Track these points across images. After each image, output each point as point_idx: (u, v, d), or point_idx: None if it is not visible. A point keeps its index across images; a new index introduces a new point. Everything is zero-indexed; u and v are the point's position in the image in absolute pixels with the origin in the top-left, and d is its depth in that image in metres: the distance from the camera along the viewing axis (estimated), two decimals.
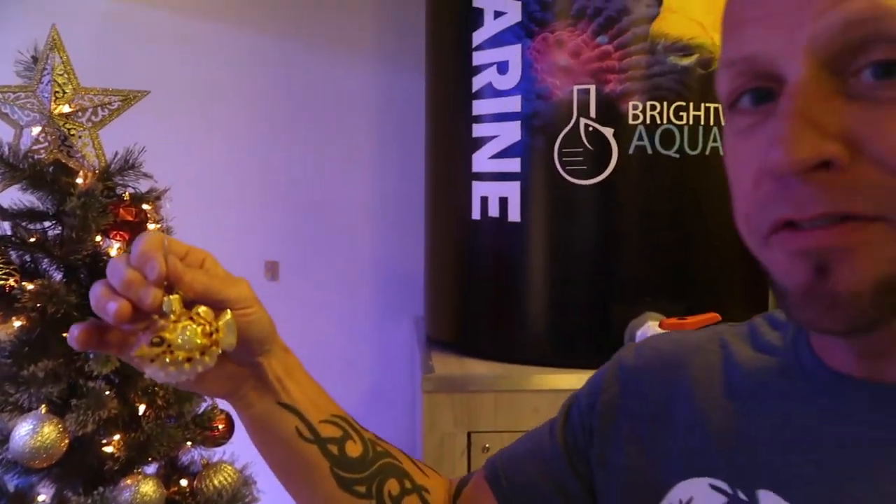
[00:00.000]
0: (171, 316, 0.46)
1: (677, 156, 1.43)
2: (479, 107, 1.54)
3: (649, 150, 1.42)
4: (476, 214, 1.54)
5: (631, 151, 1.42)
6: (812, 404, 0.50)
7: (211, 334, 0.47)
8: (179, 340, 0.45)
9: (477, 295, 1.58)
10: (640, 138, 1.42)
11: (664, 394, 0.59)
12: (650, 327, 1.38)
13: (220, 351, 0.48)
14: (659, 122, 1.42)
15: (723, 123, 0.54)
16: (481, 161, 1.54)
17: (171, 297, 0.47)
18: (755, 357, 0.56)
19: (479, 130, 1.54)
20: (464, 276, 1.61)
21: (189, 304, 0.48)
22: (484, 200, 1.53)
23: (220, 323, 0.48)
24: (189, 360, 0.45)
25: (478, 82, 1.53)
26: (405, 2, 2.05)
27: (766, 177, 0.42)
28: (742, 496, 0.51)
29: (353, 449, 0.63)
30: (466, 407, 1.36)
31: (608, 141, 1.42)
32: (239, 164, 2.05)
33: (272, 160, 2.06)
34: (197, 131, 2.04)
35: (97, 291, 0.50)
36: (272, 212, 2.04)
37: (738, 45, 0.44)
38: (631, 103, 1.42)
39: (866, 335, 0.43)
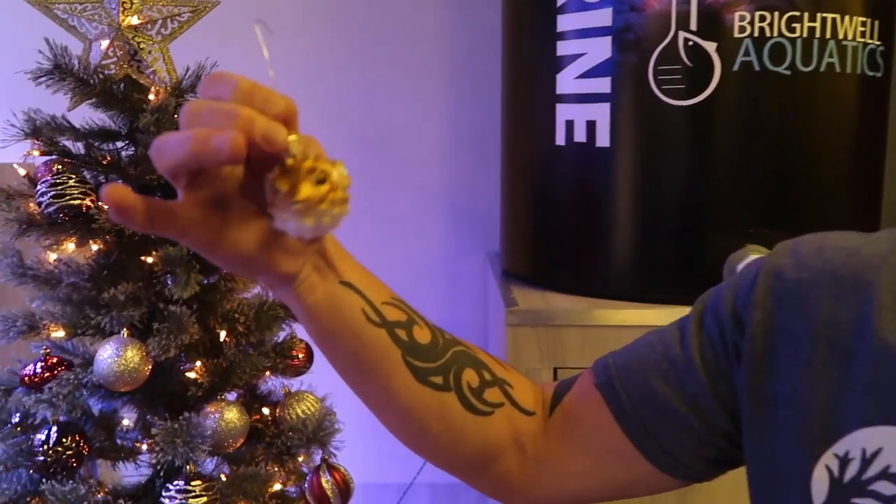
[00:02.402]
0: (306, 161, 0.38)
1: (788, 73, 1.30)
2: (564, 22, 1.42)
3: (756, 67, 1.29)
4: (560, 140, 1.44)
5: (735, 68, 1.29)
6: None
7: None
8: (338, 177, 0.38)
9: (559, 226, 1.49)
10: (747, 53, 1.29)
11: (842, 318, 0.50)
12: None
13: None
14: (768, 34, 1.28)
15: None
16: (566, 82, 1.43)
17: (293, 136, 0.38)
18: None
19: (563, 48, 1.43)
20: (545, 205, 1.52)
21: None
22: (569, 125, 1.43)
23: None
24: (345, 200, 0.38)
25: None
26: None
27: None
28: None
29: (422, 335, 0.55)
30: (552, 342, 1.29)
31: (710, 57, 1.30)
32: (305, 91, 1.97)
33: (338, 86, 1.98)
34: (261, 56, 1.96)
35: (181, 137, 0.38)
36: (339, 143, 1.97)
37: None
38: (737, 14, 1.28)
39: None
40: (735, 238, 1.32)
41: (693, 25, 1.30)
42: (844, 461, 0.47)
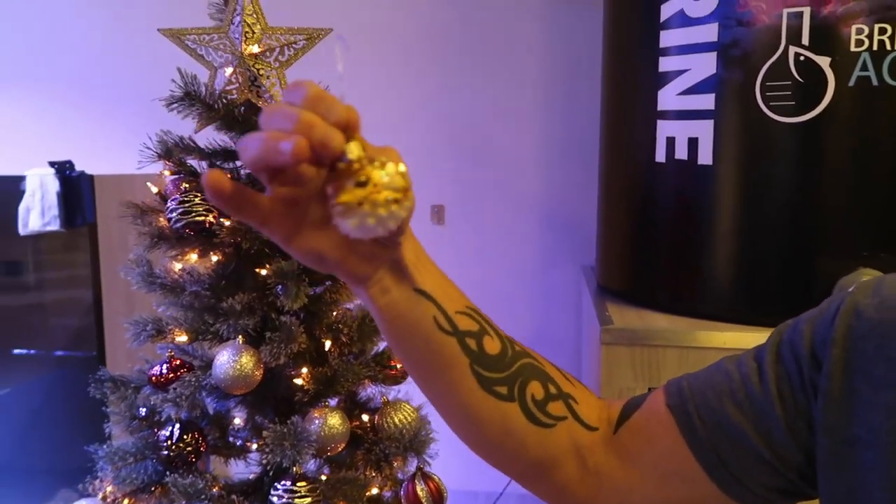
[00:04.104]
0: (354, 164, 0.40)
1: None
2: (668, 38, 1.41)
3: (875, 82, 1.23)
4: (660, 157, 1.42)
5: (851, 83, 1.24)
6: None
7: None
8: (385, 180, 0.39)
9: (657, 243, 1.47)
10: (864, 68, 1.23)
11: None
12: None
13: (412, 202, 0.41)
14: (889, 47, 1.22)
15: None
16: (668, 98, 1.41)
17: (352, 142, 0.41)
18: None
19: (666, 64, 1.41)
20: (643, 222, 1.51)
21: None
22: (670, 141, 1.41)
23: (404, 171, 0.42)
24: (396, 201, 0.39)
25: (667, 10, 1.39)
26: None
27: None
28: None
29: (491, 345, 0.56)
30: (648, 362, 1.28)
31: (823, 72, 1.25)
32: (407, 106, 2.04)
33: (439, 101, 2.03)
34: (368, 72, 2.04)
35: (257, 137, 0.42)
36: (439, 155, 2.02)
37: None
38: (854, 27, 1.22)
39: None
40: (848, 262, 1.27)
41: (805, 40, 1.25)
42: None
